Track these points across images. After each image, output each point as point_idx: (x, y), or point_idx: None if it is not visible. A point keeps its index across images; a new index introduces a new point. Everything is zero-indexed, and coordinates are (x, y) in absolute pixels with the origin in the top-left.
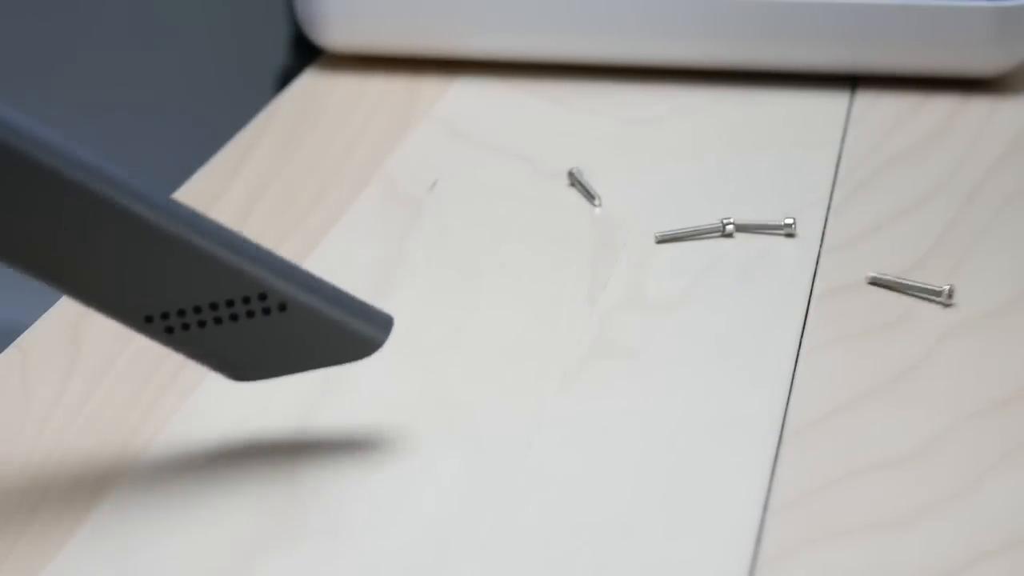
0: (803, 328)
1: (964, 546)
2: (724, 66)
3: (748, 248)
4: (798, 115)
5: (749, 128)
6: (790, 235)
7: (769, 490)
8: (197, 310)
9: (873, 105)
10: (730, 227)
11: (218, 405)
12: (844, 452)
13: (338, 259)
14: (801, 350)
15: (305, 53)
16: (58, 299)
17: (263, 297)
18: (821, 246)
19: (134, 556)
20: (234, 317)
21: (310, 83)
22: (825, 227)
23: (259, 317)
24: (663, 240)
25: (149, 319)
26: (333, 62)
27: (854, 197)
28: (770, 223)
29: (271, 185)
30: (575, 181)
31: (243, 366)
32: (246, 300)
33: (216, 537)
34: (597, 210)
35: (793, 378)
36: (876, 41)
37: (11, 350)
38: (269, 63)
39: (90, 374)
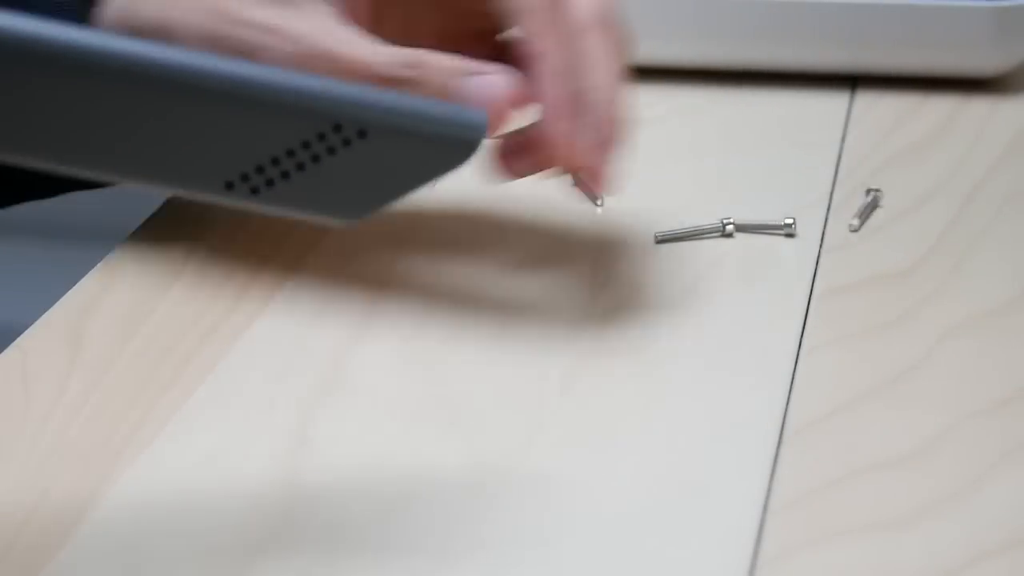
0: (803, 328)
1: (964, 546)
2: (724, 66)
3: (748, 248)
4: (798, 115)
5: (749, 128)
6: (790, 235)
7: (769, 490)
8: (275, 162)
9: (873, 105)
10: (730, 227)
11: (218, 405)
12: (844, 452)
13: (338, 259)
14: (801, 350)
15: None
16: (58, 299)
17: (338, 129)
18: (821, 246)
19: (134, 556)
20: (315, 158)
21: None
22: (825, 227)
23: (341, 151)
24: (663, 240)
25: (230, 185)
26: None
27: (854, 197)
28: (770, 223)
29: None
30: (577, 181)
31: (344, 206)
32: (321, 137)
33: (216, 537)
34: (598, 210)
35: (793, 378)
36: (876, 41)
37: (11, 350)
38: None
39: (90, 374)
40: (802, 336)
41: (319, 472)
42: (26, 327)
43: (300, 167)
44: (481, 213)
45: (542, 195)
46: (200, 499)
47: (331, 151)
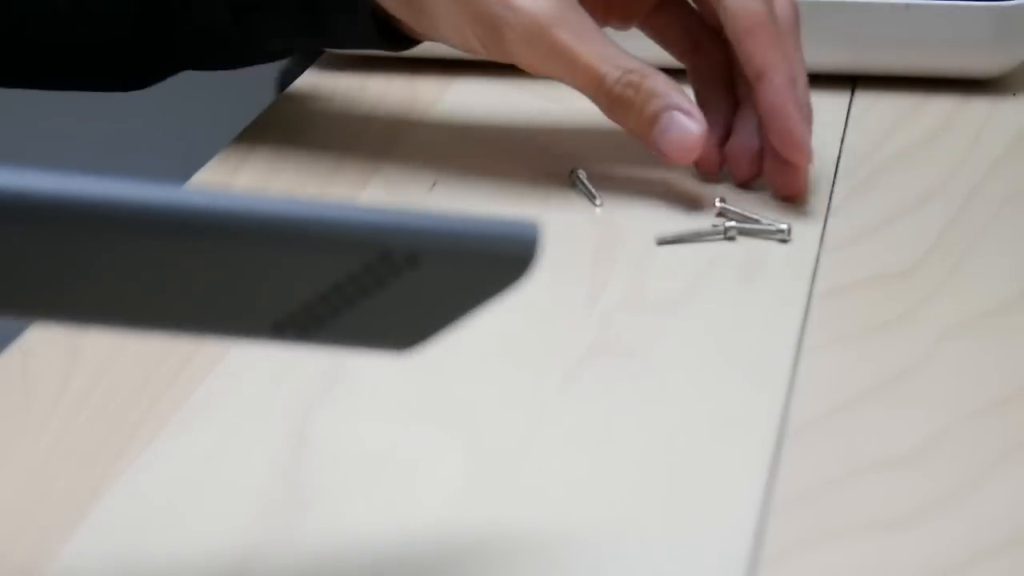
0: (803, 328)
1: (964, 546)
2: None
3: (748, 248)
4: None
5: None
6: (784, 240)
7: (769, 490)
8: (322, 299)
9: (873, 105)
10: (732, 231)
11: (218, 405)
12: (844, 452)
13: None
14: (801, 350)
15: (305, 53)
16: None
17: (387, 258)
18: (821, 246)
19: (134, 556)
20: (365, 290)
21: (310, 83)
22: (825, 227)
23: (392, 281)
24: (663, 242)
25: (279, 328)
26: (333, 62)
27: (854, 197)
28: (766, 227)
29: (271, 185)
30: (577, 181)
31: (399, 337)
32: (369, 268)
33: (216, 537)
34: (597, 210)
35: (793, 378)
36: (876, 41)
37: (11, 350)
38: (269, 63)
39: (90, 374)
40: (802, 336)
41: (319, 472)
42: (26, 327)
43: (350, 302)
44: (481, 213)
45: (542, 195)
46: (200, 499)
47: (381, 282)
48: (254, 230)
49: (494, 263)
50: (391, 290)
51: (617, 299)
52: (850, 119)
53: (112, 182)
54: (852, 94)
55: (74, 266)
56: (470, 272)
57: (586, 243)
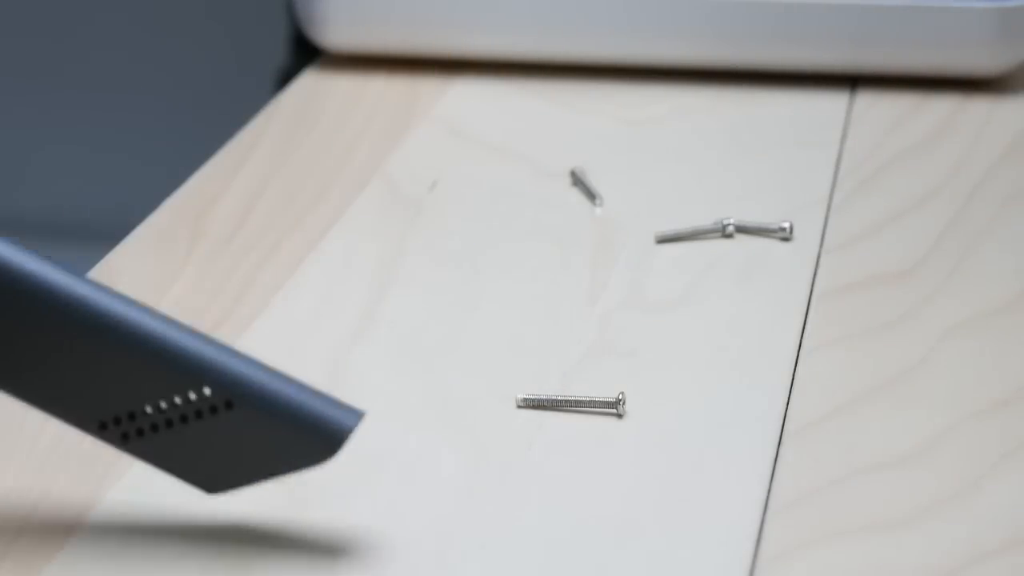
0: (803, 328)
1: (964, 546)
2: (724, 66)
3: (748, 248)
4: (798, 115)
5: (749, 128)
6: (785, 239)
7: (769, 490)
8: (146, 412)
9: (873, 105)
10: (730, 228)
11: None
12: (844, 452)
13: (338, 259)
14: (801, 350)
15: (305, 53)
16: None
17: (206, 394)
18: (821, 246)
19: (134, 556)
20: (183, 418)
21: (310, 83)
22: (825, 227)
23: (206, 417)
24: (663, 240)
25: (103, 425)
26: (333, 62)
27: (854, 197)
28: (768, 226)
29: (271, 185)
30: (577, 181)
31: (205, 475)
32: (189, 399)
33: (216, 537)
34: (597, 210)
35: (793, 378)
36: (876, 41)
37: None
38: (269, 63)
39: None
40: (802, 336)
41: (319, 472)
42: None
43: (168, 424)
44: (481, 213)
45: (542, 195)
46: (200, 499)
47: (198, 415)
48: (104, 329)
49: (304, 435)
50: (205, 426)
51: (617, 299)
52: (850, 119)
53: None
54: (852, 94)
55: None
56: (280, 435)
57: (586, 243)
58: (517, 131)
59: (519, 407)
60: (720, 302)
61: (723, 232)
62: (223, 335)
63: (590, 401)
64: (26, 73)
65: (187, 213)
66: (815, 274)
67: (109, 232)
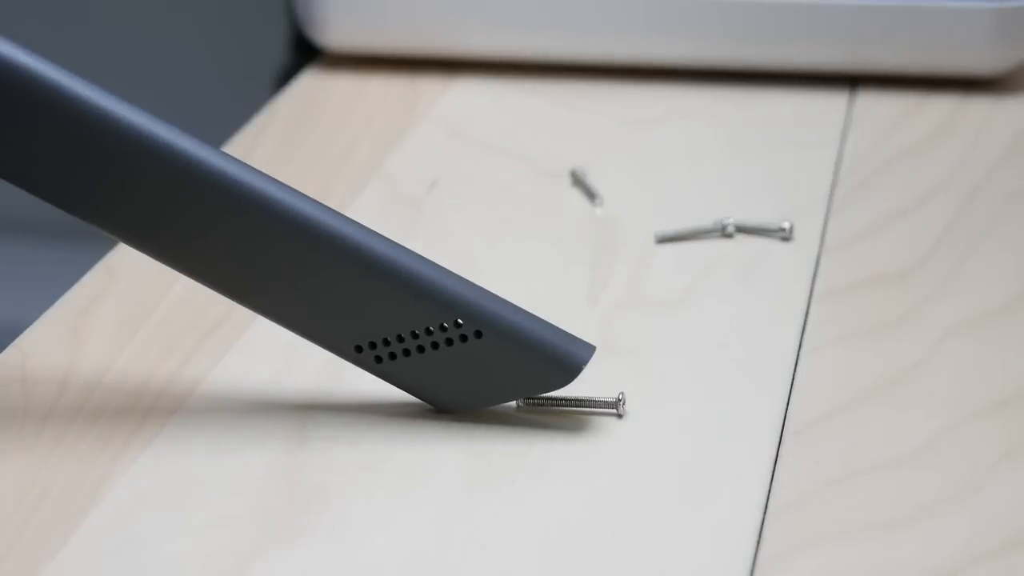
0: (803, 328)
1: (964, 546)
2: (724, 66)
3: (748, 248)
4: (798, 115)
5: (749, 128)
6: (785, 239)
7: (769, 490)
8: (400, 339)
9: (873, 105)
10: (730, 228)
11: (218, 406)
12: (844, 452)
13: None
14: (801, 350)
15: (305, 53)
16: (58, 299)
17: (459, 324)
18: (821, 246)
19: (134, 556)
20: (434, 345)
21: (310, 83)
22: (825, 227)
23: (456, 345)
24: (663, 240)
25: (359, 349)
26: (333, 62)
27: (854, 197)
28: (768, 226)
29: None
30: (577, 181)
31: (446, 396)
32: (443, 327)
33: (216, 537)
34: (597, 210)
35: (793, 378)
36: (876, 41)
37: (11, 350)
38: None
39: (90, 374)
40: (802, 336)
41: (319, 472)
42: (26, 327)
43: (420, 349)
44: (481, 213)
45: (542, 195)
46: (200, 499)
47: (448, 342)
48: (371, 263)
49: (544, 364)
50: (454, 353)
51: (617, 299)
52: (850, 119)
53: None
54: (852, 94)
55: (222, 236)
56: (521, 363)
57: (586, 243)
58: (517, 131)
59: (518, 409)
60: (720, 302)
61: (723, 232)
62: (223, 335)
63: (590, 400)
64: None
65: None
66: (815, 274)
67: None
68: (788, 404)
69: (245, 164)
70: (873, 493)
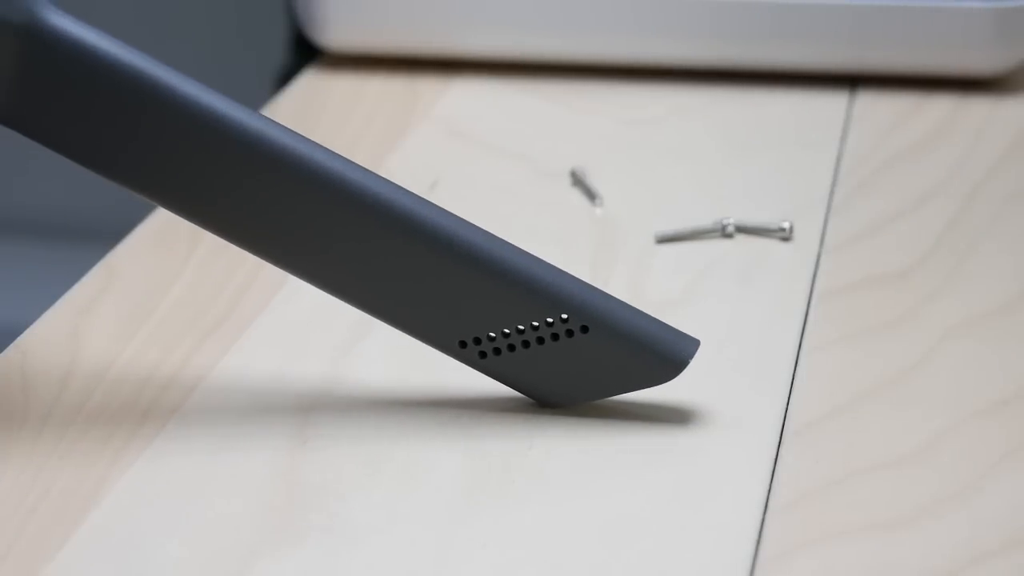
0: (803, 328)
1: (964, 546)
2: (723, 66)
3: (748, 248)
4: (798, 115)
5: (749, 128)
6: (785, 239)
7: (769, 490)
8: (505, 334)
9: (873, 105)
10: (730, 228)
11: (218, 406)
12: (844, 452)
13: None
14: (801, 350)
15: (305, 53)
16: (58, 299)
17: (564, 320)
18: (821, 246)
19: (133, 556)
20: (539, 340)
21: (310, 83)
22: (825, 227)
23: (562, 340)
24: (663, 240)
25: (463, 344)
26: (333, 62)
27: (854, 197)
28: (768, 226)
29: None
30: (577, 181)
31: (549, 391)
32: (548, 323)
33: (216, 537)
34: (597, 210)
35: (793, 378)
36: (876, 41)
37: (11, 350)
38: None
39: (90, 374)
40: (802, 336)
41: (319, 472)
42: (26, 327)
43: (525, 344)
44: (481, 213)
45: (542, 195)
46: (200, 499)
47: (554, 337)
48: (476, 259)
49: (650, 359)
50: (559, 348)
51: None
52: (850, 119)
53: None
54: (852, 94)
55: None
56: (627, 358)
57: (586, 243)
58: (517, 131)
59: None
60: (720, 302)
61: (723, 232)
62: (223, 335)
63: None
64: None
65: None
66: (815, 274)
67: (109, 232)
68: (788, 404)
69: (350, 162)
70: (873, 493)
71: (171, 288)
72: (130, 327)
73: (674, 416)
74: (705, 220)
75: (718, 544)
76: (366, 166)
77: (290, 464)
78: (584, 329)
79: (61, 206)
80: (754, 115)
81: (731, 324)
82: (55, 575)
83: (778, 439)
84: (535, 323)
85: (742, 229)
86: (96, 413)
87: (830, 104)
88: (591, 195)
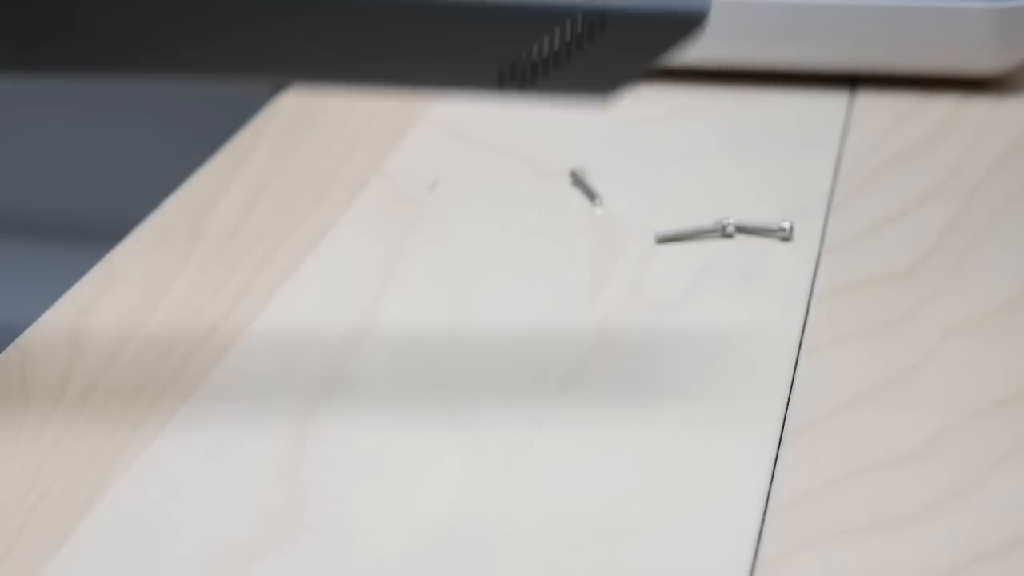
0: (803, 328)
1: (964, 546)
2: (724, 66)
3: (748, 248)
4: (798, 115)
5: (749, 128)
6: (786, 239)
7: (769, 490)
8: (535, 54)
9: (873, 105)
10: (730, 228)
11: (217, 405)
12: (844, 452)
13: (338, 259)
14: (801, 350)
15: None
16: (58, 299)
17: (583, 20)
18: (821, 246)
19: (133, 556)
20: (567, 49)
21: None
22: (825, 227)
23: (587, 40)
24: (663, 240)
25: (502, 78)
26: None
27: (854, 197)
28: (768, 226)
29: (271, 185)
30: (577, 181)
31: (597, 89)
32: (570, 28)
33: (216, 537)
34: (597, 210)
35: (793, 378)
36: (876, 41)
37: (11, 350)
38: None
39: (90, 374)
40: (802, 336)
41: (319, 472)
42: (26, 327)
43: (556, 58)
44: (481, 213)
45: (542, 195)
46: (200, 499)
47: (578, 43)
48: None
49: (671, 21)
50: (587, 49)
51: (617, 299)
52: (850, 119)
53: None
54: (852, 94)
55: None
56: (651, 31)
57: (586, 243)
58: (517, 131)
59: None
60: (720, 302)
61: (723, 232)
62: (223, 335)
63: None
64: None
65: (187, 213)
66: (815, 274)
67: (109, 232)
68: (788, 404)
69: None
70: (873, 493)
71: (171, 288)
72: (130, 327)
73: (674, 415)
74: (705, 220)
75: (718, 544)
76: (366, 166)
77: (290, 464)
78: (602, 22)
79: (61, 206)
80: (754, 115)
81: (731, 324)
82: (55, 574)
83: (778, 439)
84: (554, 36)
85: (742, 229)
86: (96, 413)
87: (830, 104)
88: (591, 195)
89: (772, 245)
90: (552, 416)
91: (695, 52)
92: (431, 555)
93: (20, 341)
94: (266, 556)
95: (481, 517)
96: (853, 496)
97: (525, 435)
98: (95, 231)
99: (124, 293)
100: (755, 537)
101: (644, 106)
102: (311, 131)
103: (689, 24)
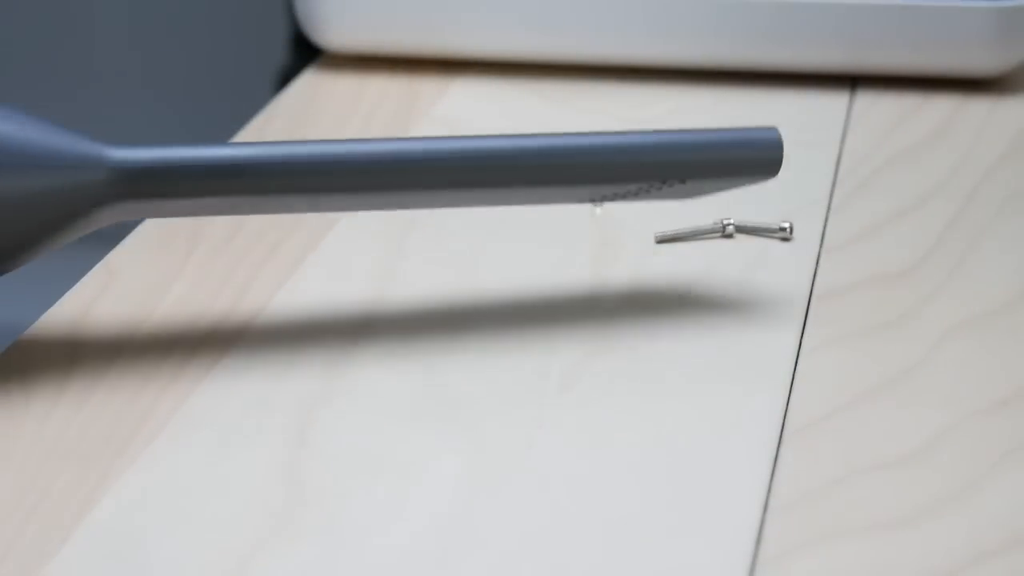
0: (803, 328)
1: (964, 546)
2: (724, 66)
3: (748, 248)
4: (798, 115)
5: None
6: (785, 239)
7: (769, 490)
8: (622, 194)
9: (873, 105)
10: (730, 228)
11: (217, 405)
12: (844, 452)
13: (338, 260)
14: (801, 350)
15: (305, 53)
16: (58, 299)
17: (664, 180)
18: (821, 246)
19: (133, 556)
20: (655, 190)
21: (310, 83)
22: (825, 227)
23: (667, 188)
24: (663, 240)
25: (593, 201)
26: (333, 62)
27: (854, 197)
28: (768, 226)
29: None
30: None
31: (678, 198)
32: (661, 183)
33: (216, 537)
34: (597, 210)
35: (793, 378)
36: (876, 41)
37: (11, 350)
38: (269, 63)
39: (90, 374)
40: (802, 336)
41: (319, 472)
42: (26, 327)
43: (646, 191)
44: (481, 213)
45: None
46: (200, 499)
47: (661, 185)
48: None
49: (747, 169)
50: (671, 191)
51: (617, 299)
52: (850, 119)
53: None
54: (852, 94)
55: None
56: (727, 179)
57: (586, 243)
58: (517, 131)
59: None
60: (720, 302)
61: (723, 232)
62: (223, 335)
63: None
64: (26, 72)
65: None
66: (815, 274)
67: (109, 232)
68: (788, 404)
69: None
70: (873, 493)
71: (171, 288)
72: (130, 327)
73: (674, 415)
74: (705, 220)
75: (718, 544)
76: None
77: (290, 464)
78: (682, 181)
79: None
80: (754, 115)
81: (731, 324)
82: (55, 575)
83: (778, 439)
84: (646, 186)
85: (742, 229)
86: (96, 413)
87: (830, 104)
88: None
89: (772, 245)
90: (552, 416)
91: (695, 52)
92: (431, 555)
93: (20, 341)
94: (266, 556)
95: (481, 517)
96: (853, 496)
97: (525, 435)
98: (95, 231)
99: (124, 293)
100: (755, 537)
101: (644, 106)
102: (311, 131)
103: (762, 176)
